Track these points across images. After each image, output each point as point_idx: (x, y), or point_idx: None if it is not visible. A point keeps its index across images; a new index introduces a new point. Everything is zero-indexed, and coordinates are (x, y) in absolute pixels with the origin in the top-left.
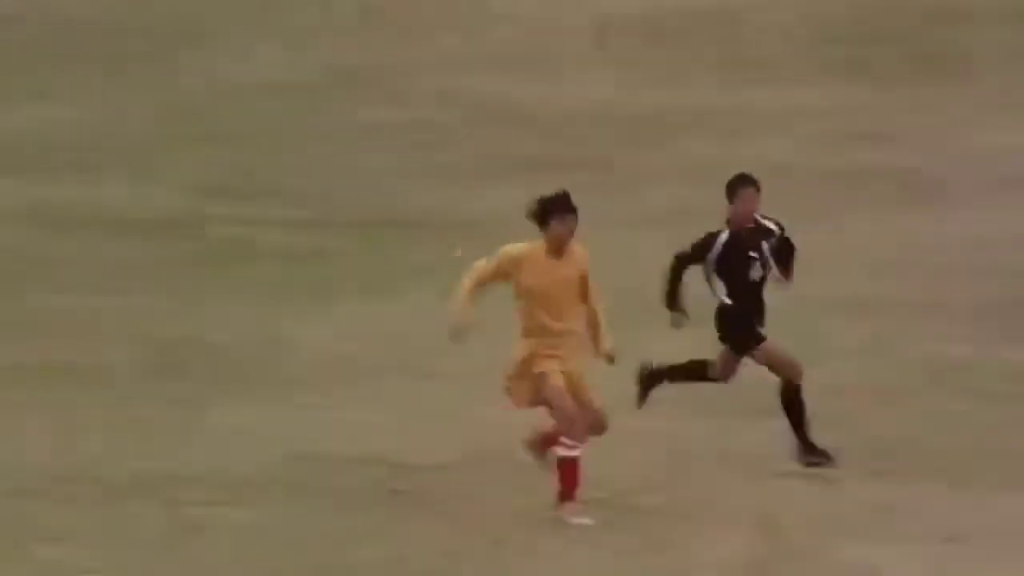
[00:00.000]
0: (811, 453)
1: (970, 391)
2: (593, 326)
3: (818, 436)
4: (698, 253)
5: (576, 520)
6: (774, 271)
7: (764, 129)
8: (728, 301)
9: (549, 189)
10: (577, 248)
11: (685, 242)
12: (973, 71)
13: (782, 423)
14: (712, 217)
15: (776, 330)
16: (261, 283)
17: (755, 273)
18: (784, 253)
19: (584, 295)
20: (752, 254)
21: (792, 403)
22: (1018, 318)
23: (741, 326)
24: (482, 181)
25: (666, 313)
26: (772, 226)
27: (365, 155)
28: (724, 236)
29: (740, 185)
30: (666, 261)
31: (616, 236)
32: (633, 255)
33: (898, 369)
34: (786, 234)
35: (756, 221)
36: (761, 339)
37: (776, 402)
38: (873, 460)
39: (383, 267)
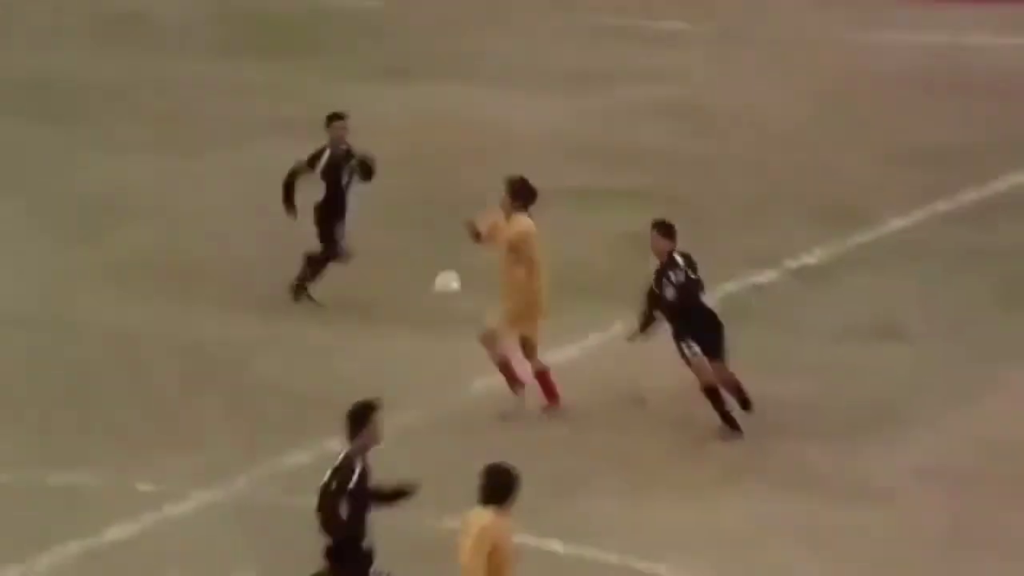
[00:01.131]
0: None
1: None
2: None
3: None
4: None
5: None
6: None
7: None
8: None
9: None
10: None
11: None
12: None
13: None
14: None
15: None
16: None
17: (669, 294)
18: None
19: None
20: (664, 280)
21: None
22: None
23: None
24: None
25: None
26: (680, 260)
27: None
28: (655, 268)
29: (651, 229)
30: None
31: None
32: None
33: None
34: (691, 271)
35: (670, 255)
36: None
37: None
38: None
39: None
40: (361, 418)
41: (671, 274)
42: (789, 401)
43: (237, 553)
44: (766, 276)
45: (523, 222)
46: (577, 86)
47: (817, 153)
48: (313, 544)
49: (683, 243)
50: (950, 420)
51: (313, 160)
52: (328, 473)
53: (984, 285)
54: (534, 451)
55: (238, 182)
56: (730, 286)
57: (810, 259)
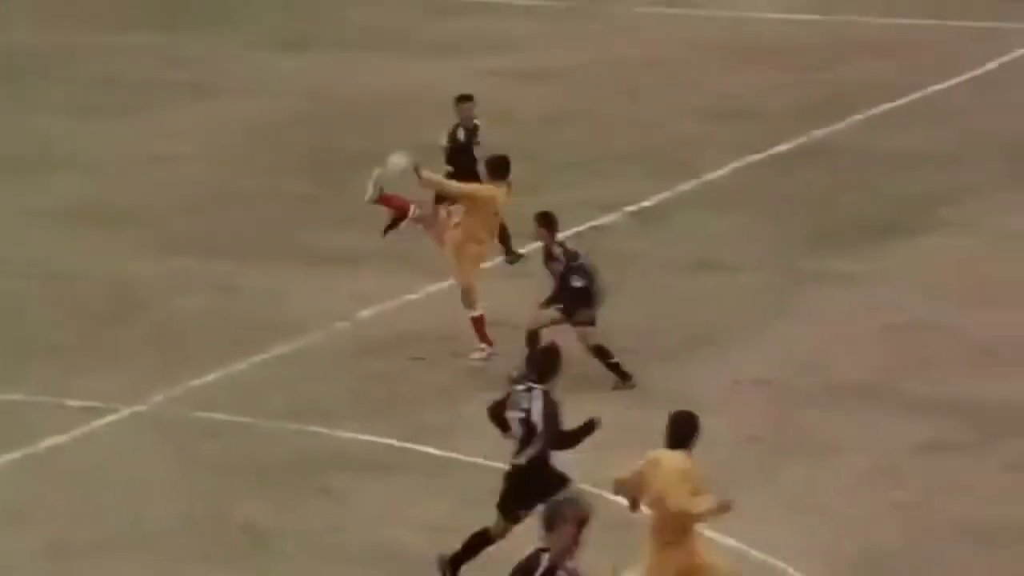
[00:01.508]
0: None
1: None
2: None
3: None
4: None
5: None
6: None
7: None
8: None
9: None
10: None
11: None
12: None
13: None
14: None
15: None
16: None
17: (553, 274)
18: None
19: None
20: (552, 264)
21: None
22: None
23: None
24: None
25: None
26: (557, 250)
27: None
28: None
29: (533, 221)
30: None
31: None
32: None
33: None
34: (570, 257)
35: (551, 244)
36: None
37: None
38: None
39: None
40: (553, 362)
41: (552, 264)
42: (628, 326)
43: (155, 459)
44: (608, 218)
45: (485, 189)
46: (446, 53)
47: (646, 112)
48: (215, 450)
49: (536, 193)
50: (766, 339)
51: (452, 137)
52: (534, 410)
53: (793, 224)
54: (414, 366)
55: (159, 141)
56: (576, 228)
57: (645, 203)
